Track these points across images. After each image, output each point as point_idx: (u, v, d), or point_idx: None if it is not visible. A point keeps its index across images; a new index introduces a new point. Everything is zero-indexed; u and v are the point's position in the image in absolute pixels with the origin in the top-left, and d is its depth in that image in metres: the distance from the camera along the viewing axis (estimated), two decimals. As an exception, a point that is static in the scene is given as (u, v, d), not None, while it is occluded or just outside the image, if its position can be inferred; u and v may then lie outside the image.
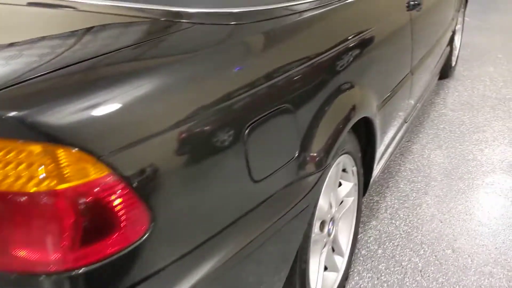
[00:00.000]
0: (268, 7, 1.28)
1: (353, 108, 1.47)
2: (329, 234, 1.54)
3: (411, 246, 1.97)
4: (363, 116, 1.55)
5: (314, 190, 1.27)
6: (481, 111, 3.27)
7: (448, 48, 3.46)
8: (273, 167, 1.12)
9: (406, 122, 2.32)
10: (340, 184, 1.66)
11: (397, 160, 2.65)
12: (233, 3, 1.24)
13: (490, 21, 5.78)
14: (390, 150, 2.14)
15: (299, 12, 1.36)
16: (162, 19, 1.14)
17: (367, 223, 2.11)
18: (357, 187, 1.73)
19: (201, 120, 0.92)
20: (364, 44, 1.57)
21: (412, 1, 2.04)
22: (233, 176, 1.01)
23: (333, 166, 1.45)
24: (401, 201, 2.27)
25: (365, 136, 1.73)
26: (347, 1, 1.57)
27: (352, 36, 1.50)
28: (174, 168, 0.87)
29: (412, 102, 2.36)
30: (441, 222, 2.11)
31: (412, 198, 2.30)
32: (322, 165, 1.29)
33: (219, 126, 0.95)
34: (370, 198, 2.29)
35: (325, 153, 1.30)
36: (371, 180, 1.87)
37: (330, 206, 1.53)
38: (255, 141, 1.04)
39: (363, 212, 2.18)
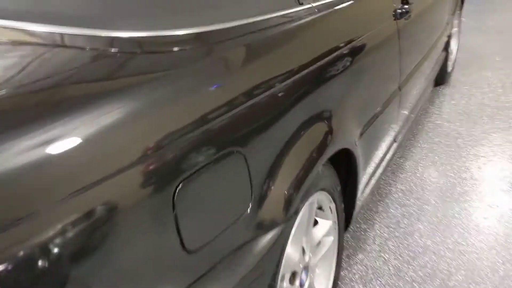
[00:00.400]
0: (222, 26, 1.05)
1: (328, 140, 1.26)
2: (301, 286, 1.33)
3: (401, 285, 1.75)
4: (341, 148, 1.34)
5: (275, 249, 1.05)
6: (479, 122, 3.05)
7: (444, 54, 3.25)
8: (215, 231, 0.90)
9: (396, 142, 2.10)
10: (316, 222, 1.45)
11: (388, 179, 2.43)
12: (180, 23, 1.00)
13: (487, 22, 5.56)
14: (379, 171, 1.93)
15: (262, 29, 1.13)
16: (87, 48, 0.90)
17: (353, 257, 1.89)
18: (337, 225, 1.51)
19: (110, 182, 0.70)
20: (342, 62, 1.35)
21: (399, 10, 1.83)
22: (159, 251, 0.79)
23: (304, 207, 1.23)
24: (391, 229, 2.06)
25: (345, 166, 1.51)
26: (320, 14, 1.34)
27: (326, 54, 1.28)
28: (70, 254, 0.66)
29: (402, 119, 2.15)
30: (435, 254, 1.90)
31: (404, 225, 2.08)
32: (285, 215, 1.08)
33: (136, 192, 0.74)
34: (357, 226, 2.08)
35: (289, 200, 1.09)
36: (354, 213, 1.66)
37: (303, 252, 1.32)
38: (189, 203, 0.82)
39: (349, 243, 1.97)
